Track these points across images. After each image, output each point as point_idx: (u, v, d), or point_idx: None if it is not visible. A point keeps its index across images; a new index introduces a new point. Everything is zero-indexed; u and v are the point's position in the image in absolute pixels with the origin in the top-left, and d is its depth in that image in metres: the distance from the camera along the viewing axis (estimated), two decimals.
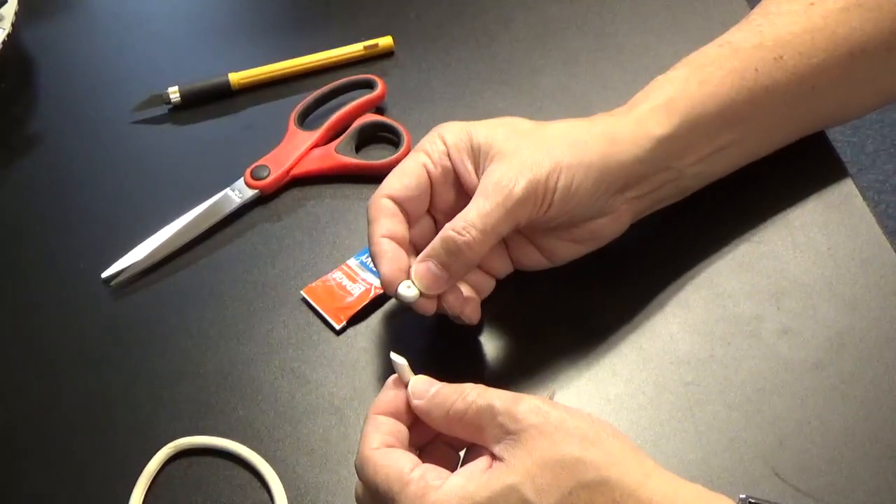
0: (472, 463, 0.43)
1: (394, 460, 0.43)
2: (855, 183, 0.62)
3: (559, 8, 0.75)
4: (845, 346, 0.55)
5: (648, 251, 0.60)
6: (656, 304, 0.58)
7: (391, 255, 0.52)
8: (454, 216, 0.53)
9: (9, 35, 0.74)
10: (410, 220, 0.55)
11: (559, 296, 0.59)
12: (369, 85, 0.70)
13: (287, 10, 0.81)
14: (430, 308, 0.53)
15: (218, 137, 0.72)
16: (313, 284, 0.61)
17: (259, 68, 0.73)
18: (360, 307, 0.59)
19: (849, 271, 0.58)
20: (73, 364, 0.60)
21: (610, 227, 0.56)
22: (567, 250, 0.57)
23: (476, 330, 0.58)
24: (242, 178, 0.67)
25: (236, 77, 0.73)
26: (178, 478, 0.55)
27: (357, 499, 0.47)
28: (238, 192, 0.66)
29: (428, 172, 0.54)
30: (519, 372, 0.56)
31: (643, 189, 0.56)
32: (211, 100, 0.73)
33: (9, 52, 0.75)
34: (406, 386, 0.47)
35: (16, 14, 0.75)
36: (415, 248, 0.55)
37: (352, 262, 0.62)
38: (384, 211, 0.53)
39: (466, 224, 0.50)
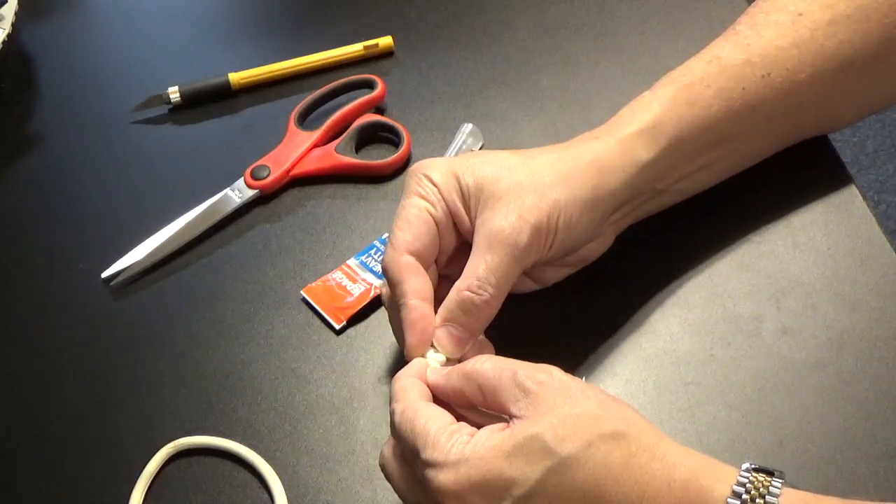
0: (494, 424, 0.44)
1: (436, 412, 0.45)
2: (855, 183, 0.62)
3: (559, 8, 0.75)
4: (845, 346, 0.55)
5: (648, 251, 0.60)
6: (656, 304, 0.58)
7: (421, 325, 0.50)
8: (454, 258, 0.53)
9: (9, 35, 0.74)
10: (425, 267, 0.52)
11: (558, 296, 0.59)
12: (369, 85, 0.70)
13: (287, 10, 0.81)
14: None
15: (218, 137, 0.72)
16: (313, 284, 0.61)
17: (259, 68, 0.73)
18: (360, 307, 0.59)
19: (849, 271, 0.58)
20: (73, 364, 0.60)
21: (597, 249, 0.56)
22: (556, 274, 0.57)
23: None
24: (242, 178, 0.67)
25: (236, 77, 0.73)
26: (178, 478, 0.55)
27: (384, 461, 0.48)
28: (238, 192, 0.66)
29: (433, 218, 0.52)
30: None
31: (627, 209, 0.56)
32: (211, 100, 0.73)
33: (9, 52, 0.75)
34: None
35: (16, 14, 0.75)
36: None
37: (352, 262, 0.62)
38: (410, 269, 0.50)
39: (481, 282, 0.49)
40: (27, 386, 0.60)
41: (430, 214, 0.52)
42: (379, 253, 0.61)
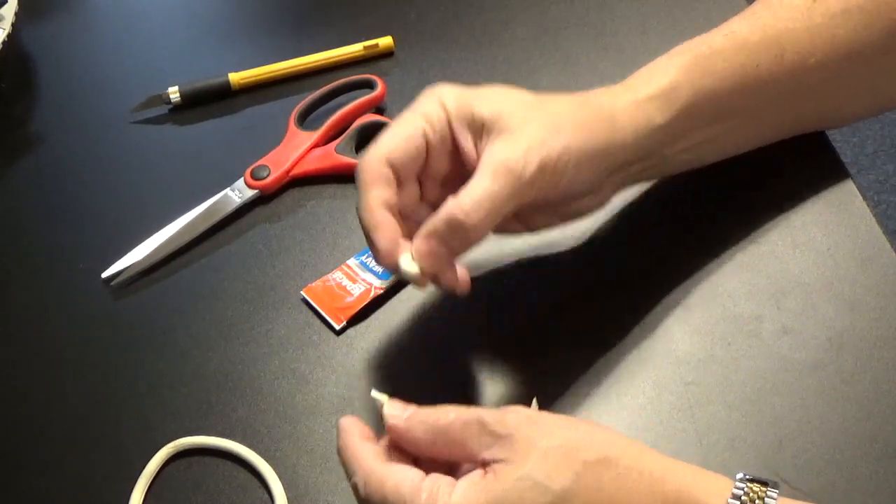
0: (472, 473, 0.43)
1: (402, 471, 0.43)
2: (855, 183, 0.62)
3: (559, 8, 0.75)
4: (845, 346, 0.55)
5: (648, 251, 0.60)
6: (656, 304, 0.58)
7: (387, 227, 0.50)
8: (442, 184, 0.52)
9: (9, 35, 0.74)
10: (399, 185, 0.52)
11: (558, 296, 0.59)
12: (369, 85, 0.70)
13: (287, 10, 0.81)
14: (425, 283, 0.51)
15: (218, 137, 0.72)
16: (313, 284, 0.61)
17: (259, 68, 0.73)
18: (360, 307, 0.59)
19: (849, 271, 0.58)
20: (73, 364, 0.60)
21: (593, 204, 0.56)
22: (546, 222, 0.56)
23: (476, 329, 0.58)
24: (242, 178, 0.67)
25: (236, 77, 0.73)
26: (178, 478, 0.55)
27: None
28: (238, 192, 0.66)
29: (427, 140, 0.51)
30: (519, 372, 0.56)
31: (629, 171, 0.56)
32: (211, 100, 0.73)
33: (9, 52, 0.75)
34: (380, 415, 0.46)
35: (16, 14, 0.75)
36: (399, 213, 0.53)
37: (352, 262, 0.62)
38: (382, 178, 0.50)
39: (473, 205, 0.48)
40: (27, 386, 0.60)
41: (426, 136, 0.51)
42: None
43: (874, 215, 0.60)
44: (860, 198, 0.61)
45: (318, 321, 0.60)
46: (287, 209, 0.66)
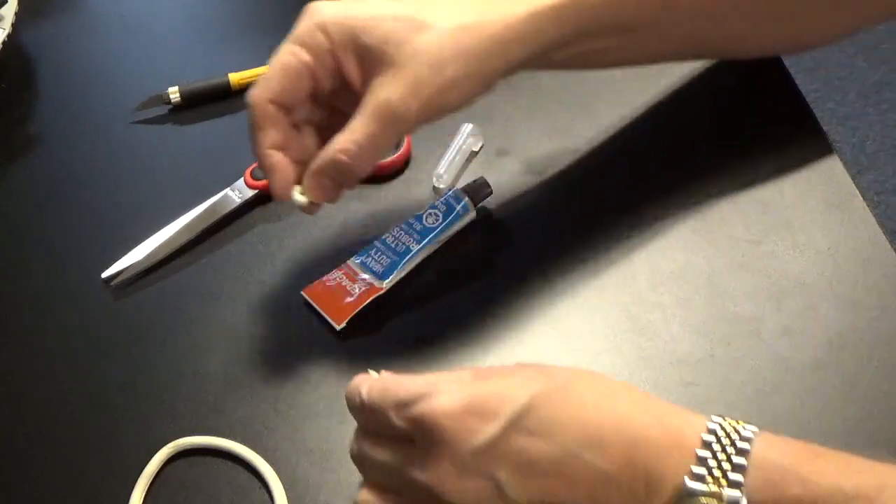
0: None
1: (404, 376, 0.45)
2: (855, 183, 0.62)
3: None
4: (845, 346, 0.55)
5: (648, 251, 0.60)
6: (656, 303, 0.58)
7: (280, 169, 0.53)
8: (333, 92, 0.53)
9: (9, 35, 0.74)
10: (289, 112, 0.54)
11: (557, 298, 0.59)
12: None
13: (287, 10, 0.80)
14: (315, 211, 0.56)
15: (218, 137, 0.72)
16: (313, 285, 0.61)
17: (259, 68, 0.73)
18: (361, 307, 0.59)
19: (849, 271, 0.58)
20: (73, 364, 0.60)
21: (476, 101, 0.55)
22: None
23: (473, 330, 0.58)
24: (242, 178, 0.67)
25: (236, 77, 0.73)
26: (178, 478, 0.55)
27: (356, 452, 0.47)
28: (238, 192, 0.66)
29: (311, 70, 0.52)
30: None
31: (512, 73, 0.55)
32: (211, 100, 0.73)
33: (9, 52, 0.75)
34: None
35: (16, 14, 0.75)
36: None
37: (352, 262, 0.62)
38: (268, 119, 0.53)
39: (356, 148, 0.51)
40: (27, 386, 0.60)
41: (309, 68, 0.52)
42: (379, 253, 0.61)
43: (874, 215, 0.60)
44: (860, 198, 0.61)
45: (318, 321, 0.60)
46: (287, 209, 0.66)
